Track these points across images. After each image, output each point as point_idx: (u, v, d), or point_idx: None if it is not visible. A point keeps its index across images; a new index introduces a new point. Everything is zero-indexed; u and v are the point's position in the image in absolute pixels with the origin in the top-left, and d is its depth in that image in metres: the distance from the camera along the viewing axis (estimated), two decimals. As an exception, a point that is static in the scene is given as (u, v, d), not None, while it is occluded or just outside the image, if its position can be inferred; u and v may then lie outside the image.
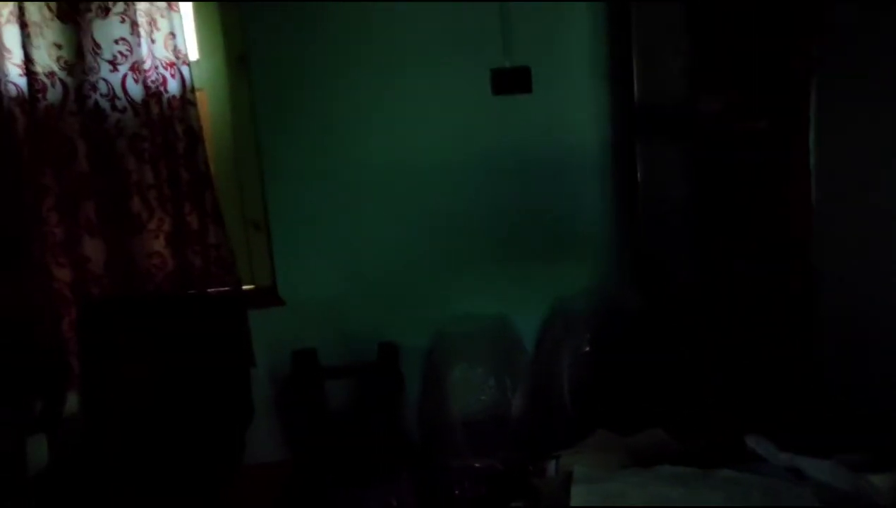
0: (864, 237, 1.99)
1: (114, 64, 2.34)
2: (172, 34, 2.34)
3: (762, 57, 1.97)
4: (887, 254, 1.93)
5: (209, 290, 2.45)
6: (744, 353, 2.07)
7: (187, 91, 2.36)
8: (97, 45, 2.32)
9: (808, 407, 1.93)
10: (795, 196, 1.92)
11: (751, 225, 2.17)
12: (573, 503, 1.51)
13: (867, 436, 1.69)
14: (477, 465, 2.35)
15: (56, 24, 2.30)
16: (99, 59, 2.33)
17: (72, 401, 2.37)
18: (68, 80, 2.33)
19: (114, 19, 2.31)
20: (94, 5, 2.29)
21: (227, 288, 2.45)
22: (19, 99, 2.32)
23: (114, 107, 2.36)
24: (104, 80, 2.34)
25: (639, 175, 2.51)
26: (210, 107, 2.53)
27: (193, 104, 2.37)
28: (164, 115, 2.37)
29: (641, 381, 2.34)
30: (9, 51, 2.30)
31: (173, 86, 2.36)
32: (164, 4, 2.33)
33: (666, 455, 1.73)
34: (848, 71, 1.87)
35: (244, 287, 2.55)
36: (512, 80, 2.52)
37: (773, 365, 2.04)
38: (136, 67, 2.34)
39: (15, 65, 2.31)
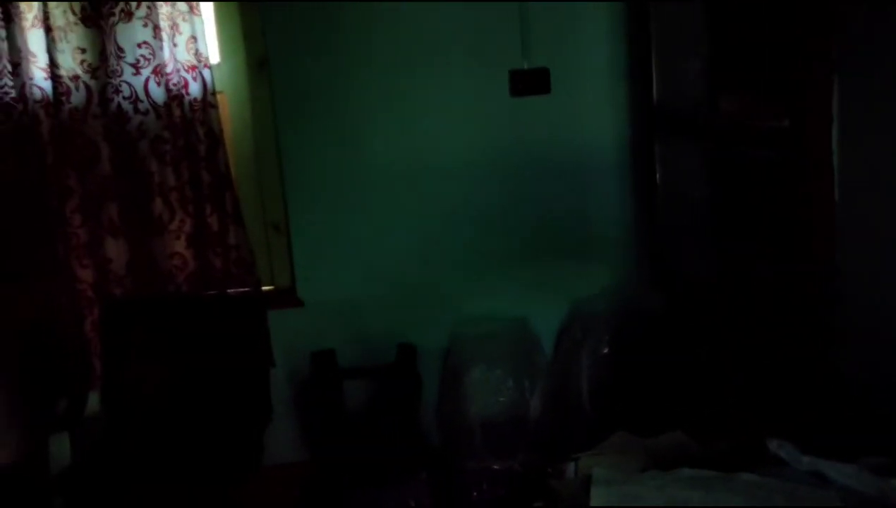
0: (887, 237, 1.96)
1: (136, 67, 2.37)
2: (194, 38, 2.36)
3: (782, 56, 1.96)
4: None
5: (229, 291, 2.46)
6: (764, 355, 2.05)
7: (208, 94, 2.38)
8: (120, 49, 2.35)
9: (830, 410, 1.91)
10: (817, 195, 1.90)
11: (772, 225, 2.15)
12: (593, 504, 1.50)
13: (890, 439, 1.67)
14: (495, 467, 2.34)
15: (80, 28, 2.33)
16: (122, 63, 2.36)
17: (93, 401, 2.40)
18: (92, 83, 2.36)
19: (137, 23, 2.34)
20: (117, 9, 2.32)
21: (246, 289, 2.47)
22: (44, 102, 2.35)
23: (136, 110, 2.39)
24: (127, 83, 2.37)
25: (657, 175, 2.49)
26: (231, 110, 2.55)
27: (214, 107, 2.39)
28: (186, 118, 2.39)
29: (661, 383, 2.33)
30: (34, 55, 2.33)
31: (195, 89, 2.38)
32: (185, 8, 2.35)
33: (686, 457, 1.71)
34: (870, 69, 1.85)
35: (264, 288, 2.56)
36: (530, 81, 2.50)
37: (794, 366, 2.02)
38: (158, 71, 2.37)
39: (40, 68, 2.34)
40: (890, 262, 1.91)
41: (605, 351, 2.43)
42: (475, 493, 2.33)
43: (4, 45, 2.31)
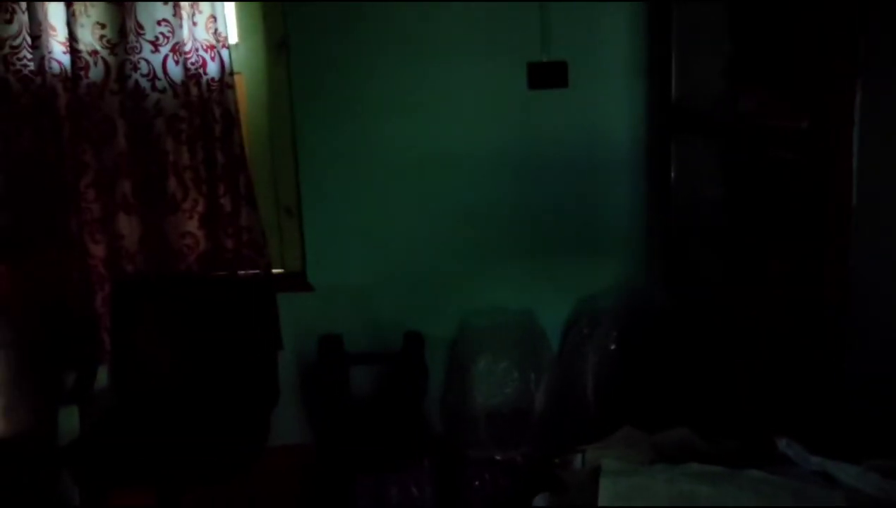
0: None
1: (155, 45, 2.36)
2: (213, 17, 2.36)
3: (804, 55, 1.95)
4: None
5: (240, 272, 2.47)
6: (773, 355, 2.05)
7: (226, 74, 2.38)
8: (140, 26, 2.35)
9: (838, 411, 1.92)
10: (835, 198, 1.90)
11: (786, 226, 2.15)
12: (602, 494, 1.51)
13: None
14: (498, 457, 2.35)
15: (101, 3, 2.33)
16: (141, 40, 2.36)
17: (102, 375, 2.40)
18: (110, 58, 2.36)
19: (157, 1, 2.35)
20: (138, -14, 2.32)
21: (257, 271, 2.47)
22: (62, 76, 2.35)
23: (154, 88, 2.39)
24: (145, 60, 2.37)
25: (672, 173, 2.49)
26: (248, 91, 2.55)
27: (232, 87, 2.39)
28: (203, 97, 2.39)
29: (667, 380, 2.33)
30: (54, 28, 2.33)
31: (213, 68, 2.38)
32: (206, -13, 2.35)
33: (693, 453, 1.72)
34: (893, 70, 1.85)
35: (274, 271, 2.56)
36: (548, 75, 2.51)
37: (802, 367, 2.02)
38: (176, 49, 2.37)
39: (59, 42, 2.34)
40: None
41: (613, 346, 2.44)
42: (477, 483, 2.34)
43: (25, 17, 2.31)
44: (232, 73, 2.39)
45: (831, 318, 2.02)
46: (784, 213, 2.13)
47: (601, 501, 1.48)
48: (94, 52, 2.35)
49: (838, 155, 1.86)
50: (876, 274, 2.07)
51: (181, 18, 2.35)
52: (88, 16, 2.33)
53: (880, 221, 1.95)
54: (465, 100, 2.53)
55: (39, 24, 2.30)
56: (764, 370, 2.04)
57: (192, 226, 2.45)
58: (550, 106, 2.54)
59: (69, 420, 2.15)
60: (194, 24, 2.37)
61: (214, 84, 2.38)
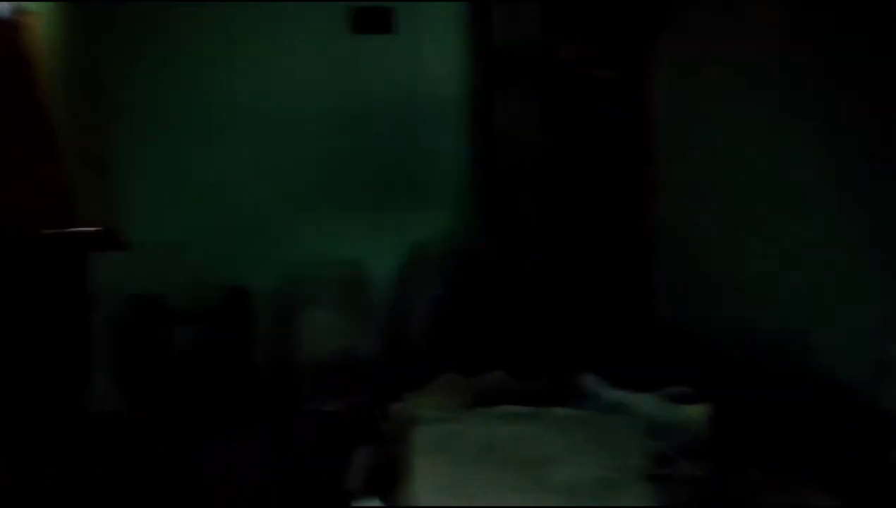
0: (702, 192, 2.11)
1: (-72, -22, 2.12)
2: (-3, -52, 2.14)
3: (613, 4, 2.02)
4: (726, 203, 2.06)
5: (43, 232, 2.28)
6: (586, 296, 2.16)
7: (17, 13, 2.18)
8: None
9: (644, 346, 2.05)
10: (643, 145, 2.00)
11: (602, 176, 2.25)
12: (415, 443, 1.54)
13: (691, 370, 1.82)
14: (326, 409, 2.35)
15: None
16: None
17: None
18: None
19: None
20: None
21: (64, 230, 2.30)
22: None
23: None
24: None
25: (495, 121, 2.53)
26: (45, 33, 2.31)
27: (26, 28, 2.19)
28: (-11, 39, 2.18)
29: (490, 325, 2.40)
30: None
31: (2, 8, 2.17)
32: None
33: (508, 396, 1.79)
34: (700, 24, 1.93)
35: (84, 229, 2.40)
36: (373, 20, 2.47)
37: (613, 307, 2.15)
38: (-46, -17, 2.13)
39: None
40: (708, 210, 2.05)
41: (439, 293, 2.48)
42: (305, 437, 2.33)
43: None
44: (26, 13, 2.18)
45: (640, 256, 2.14)
46: (601, 163, 2.23)
47: (414, 450, 1.51)
48: None
49: (646, 107, 1.95)
50: (682, 217, 2.21)
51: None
52: None
53: (688, 167, 2.07)
54: (287, 46, 2.45)
55: None
56: (576, 309, 2.15)
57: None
58: (377, 53, 2.50)
59: None
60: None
61: (5, 25, 2.17)
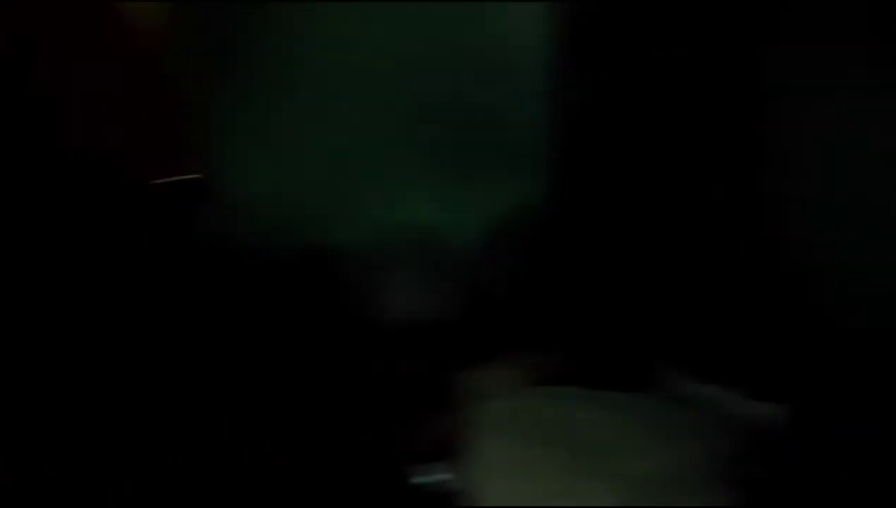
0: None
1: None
2: None
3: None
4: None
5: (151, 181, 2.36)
6: (667, 279, 2.10)
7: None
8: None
9: (723, 338, 1.99)
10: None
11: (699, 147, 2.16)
12: (483, 417, 1.55)
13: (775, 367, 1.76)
14: (402, 372, 2.38)
15: None
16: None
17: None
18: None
19: None
20: None
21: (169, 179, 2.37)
22: None
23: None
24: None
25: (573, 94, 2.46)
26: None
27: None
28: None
29: (566, 300, 2.37)
30: None
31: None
32: None
33: (583, 377, 1.78)
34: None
35: (185, 177, 2.45)
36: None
37: (699, 290, 2.08)
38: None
39: None
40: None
41: (519, 264, 2.46)
42: (374, 402, 2.36)
43: None
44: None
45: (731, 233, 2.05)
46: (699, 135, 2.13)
47: (481, 424, 1.52)
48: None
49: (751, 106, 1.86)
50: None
51: None
52: None
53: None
54: (378, 5, 2.42)
55: None
56: (654, 292, 2.10)
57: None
58: (462, 14, 2.45)
59: None
60: None
61: None
